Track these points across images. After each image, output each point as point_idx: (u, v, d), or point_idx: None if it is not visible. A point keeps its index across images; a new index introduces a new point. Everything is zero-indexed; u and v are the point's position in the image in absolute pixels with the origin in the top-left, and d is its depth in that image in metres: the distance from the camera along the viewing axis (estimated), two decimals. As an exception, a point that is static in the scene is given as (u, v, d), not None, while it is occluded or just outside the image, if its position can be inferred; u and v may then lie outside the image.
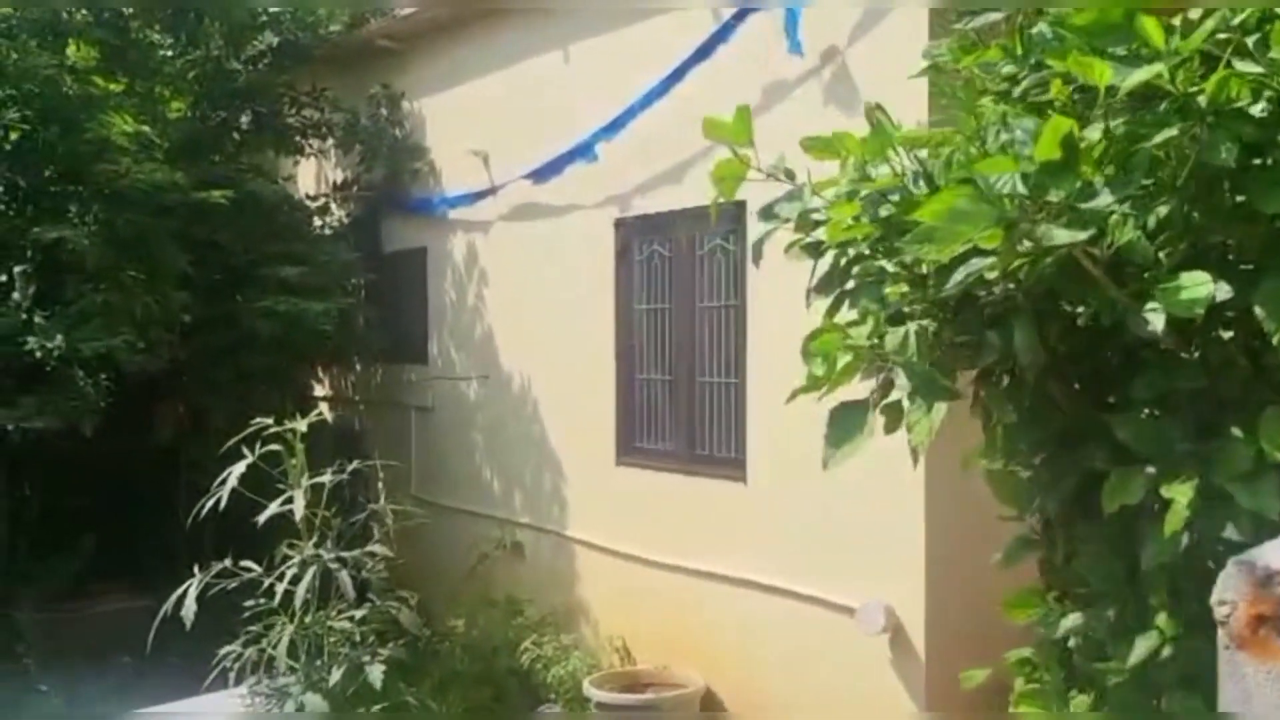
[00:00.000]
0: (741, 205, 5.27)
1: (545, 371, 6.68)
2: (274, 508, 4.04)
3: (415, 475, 7.73)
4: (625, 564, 6.01)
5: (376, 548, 4.39)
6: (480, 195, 7.10)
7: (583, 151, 6.09)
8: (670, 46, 5.52)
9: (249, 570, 4.25)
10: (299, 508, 3.92)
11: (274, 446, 4.19)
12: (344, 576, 3.99)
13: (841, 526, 4.83)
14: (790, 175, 2.29)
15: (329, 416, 8.73)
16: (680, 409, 5.78)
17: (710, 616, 5.48)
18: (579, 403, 6.37)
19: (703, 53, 5.33)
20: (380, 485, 7.13)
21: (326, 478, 4.15)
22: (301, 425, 4.17)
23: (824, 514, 4.91)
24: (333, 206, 8.28)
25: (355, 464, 4.47)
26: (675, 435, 5.83)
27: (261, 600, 4.23)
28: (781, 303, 5.13)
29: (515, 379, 6.92)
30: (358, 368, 8.48)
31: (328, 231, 8.10)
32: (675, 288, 5.81)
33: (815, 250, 2.28)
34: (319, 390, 8.85)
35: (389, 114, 7.89)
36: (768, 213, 2.32)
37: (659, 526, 5.83)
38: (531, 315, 6.75)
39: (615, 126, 5.85)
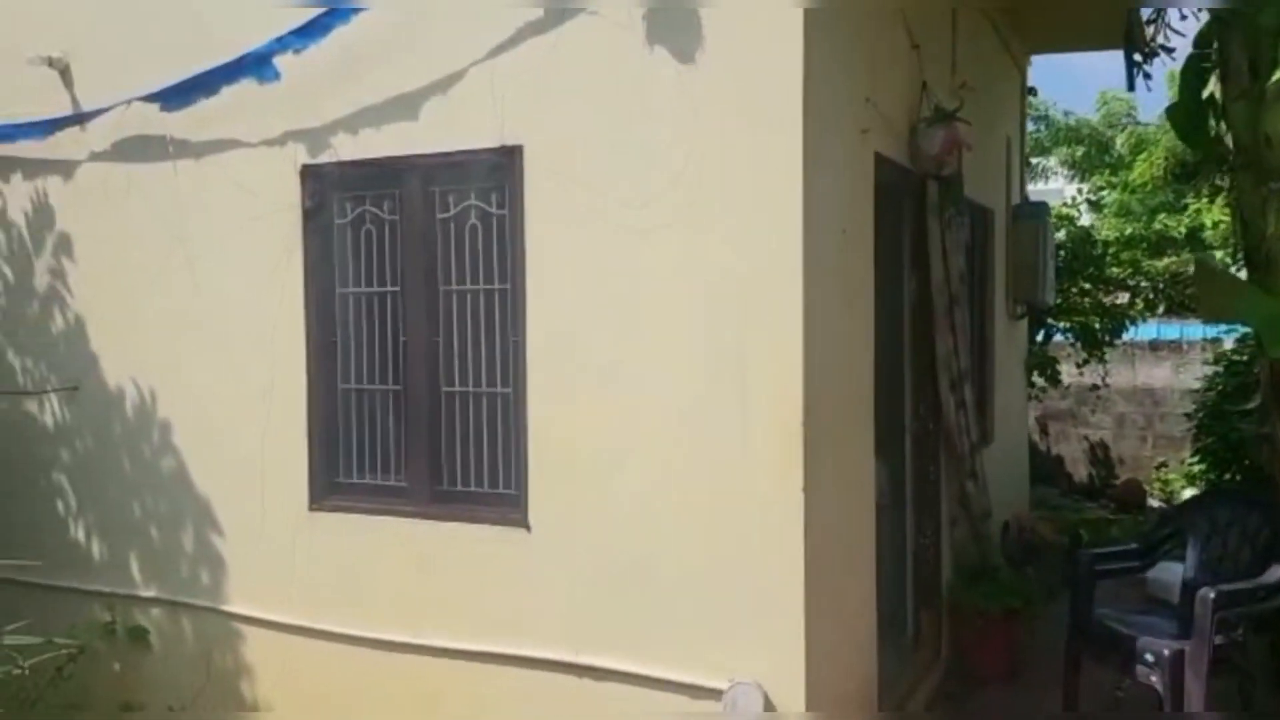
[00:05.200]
0: (513, 152, 3.90)
1: (181, 383, 4.66)
2: None
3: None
4: (334, 647, 4.31)
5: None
6: (56, 124, 4.81)
7: (254, 66, 4.22)
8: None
9: None
10: None
11: None
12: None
13: (677, 581, 3.67)
14: None
15: None
16: (416, 430, 4.21)
17: (482, 709, 4.03)
18: (243, 426, 4.49)
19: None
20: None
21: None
22: None
23: (650, 565, 3.72)
24: None
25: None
26: (408, 466, 4.25)
27: None
28: (579, 285, 3.86)
29: (128, 393, 4.79)
30: None
31: None
32: (406, 264, 4.22)
33: None
34: None
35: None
36: None
37: (389, 593, 4.22)
38: (155, 301, 4.68)
39: (314, 31, 4.09)
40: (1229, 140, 4.76)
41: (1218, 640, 3.86)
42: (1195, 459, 8.72)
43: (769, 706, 3.47)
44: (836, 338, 3.81)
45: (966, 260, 5.49)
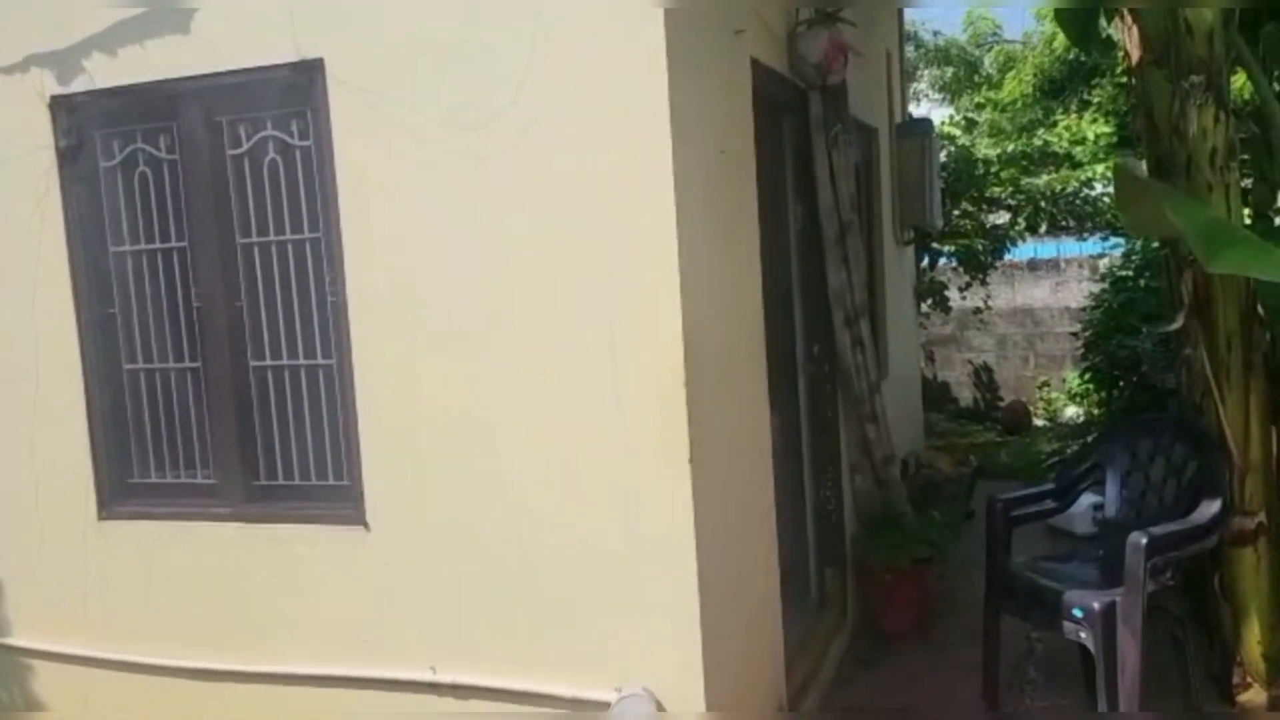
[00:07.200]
0: (312, 68, 3.16)
1: (-73, 371, 3.79)
2: None
3: None
4: (143, 680, 3.58)
5: None
6: None
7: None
8: None
9: None
10: None
11: None
12: None
13: (550, 577, 3.07)
14: None
15: None
16: (221, 416, 3.47)
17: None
18: (1, 422, 3.67)
19: None
20: None
21: None
22: None
23: (517, 562, 3.11)
24: None
25: None
26: (215, 459, 3.50)
27: None
28: (408, 228, 3.16)
29: None
30: None
31: None
32: (192, 213, 3.43)
33: None
34: None
35: None
36: None
37: (203, 613, 3.50)
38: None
39: (44, -79, 3.23)
40: (1129, 37, 4.33)
41: (1150, 588, 3.49)
42: (1084, 377, 8.56)
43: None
44: (719, 275, 3.22)
45: (856, 184, 4.98)
